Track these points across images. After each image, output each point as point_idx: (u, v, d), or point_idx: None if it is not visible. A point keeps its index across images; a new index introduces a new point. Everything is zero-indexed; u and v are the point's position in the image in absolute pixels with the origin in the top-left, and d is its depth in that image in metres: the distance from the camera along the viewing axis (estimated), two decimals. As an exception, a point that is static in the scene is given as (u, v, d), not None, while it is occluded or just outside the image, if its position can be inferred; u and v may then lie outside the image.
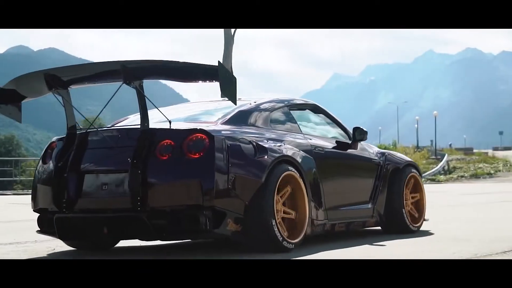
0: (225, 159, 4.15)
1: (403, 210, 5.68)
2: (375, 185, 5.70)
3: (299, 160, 4.67)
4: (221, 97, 4.92)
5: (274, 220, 4.25)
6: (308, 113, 5.58)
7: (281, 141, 4.71)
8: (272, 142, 4.59)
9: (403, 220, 5.65)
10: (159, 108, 4.50)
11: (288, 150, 4.63)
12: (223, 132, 4.34)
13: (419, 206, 6.01)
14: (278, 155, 4.45)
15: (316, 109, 5.67)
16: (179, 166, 4.13)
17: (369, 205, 5.57)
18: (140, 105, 4.27)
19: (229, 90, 4.04)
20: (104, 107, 4.69)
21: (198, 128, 4.24)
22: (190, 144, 4.14)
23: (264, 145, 4.44)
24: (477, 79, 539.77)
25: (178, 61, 4.17)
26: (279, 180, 4.38)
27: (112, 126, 4.79)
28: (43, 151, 4.74)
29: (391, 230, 5.64)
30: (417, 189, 6.03)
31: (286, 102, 5.27)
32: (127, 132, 4.44)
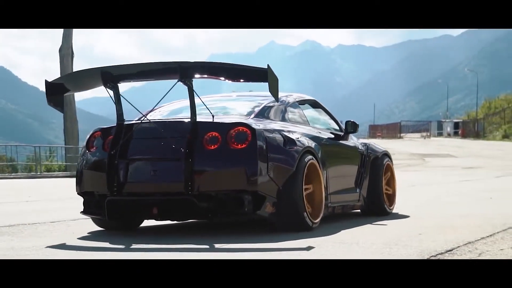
0: (264, 150, 4.72)
1: (383, 194, 6.43)
2: (361, 172, 6.38)
3: (316, 150, 5.28)
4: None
5: (302, 203, 4.82)
6: (307, 107, 6.21)
7: (298, 133, 5.27)
8: (294, 134, 5.14)
9: (382, 204, 6.42)
10: (205, 103, 5.03)
11: (308, 141, 5.22)
12: (260, 125, 4.88)
13: (391, 190, 6.75)
14: (304, 146, 5.04)
15: (315, 104, 6.39)
16: (225, 155, 4.67)
17: (357, 190, 6.26)
18: (190, 101, 4.80)
19: (274, 89, 4.57)
20: (158, 102, 5.33)
21: (240, 121, 4.81)
22: (234, 136, 4.69)
23: (291, 137, 5.02)
24: (316, 71, 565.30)
25: (229, 63, 4.72)
26: (306, 168, 4.95)
27: (143, 117, 5.12)
28: (87, 140, 5.18)
29: (370, 212, 6.38)
30: (388, 175, 6.76)
31: (296, 98, 5.94)
32: (177, 124, 4.93)
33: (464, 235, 4.53)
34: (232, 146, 4.65)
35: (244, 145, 4.64)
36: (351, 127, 6.32)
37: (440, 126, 61.61)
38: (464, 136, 52.84)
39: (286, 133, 5.02)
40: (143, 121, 4.99)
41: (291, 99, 5.81)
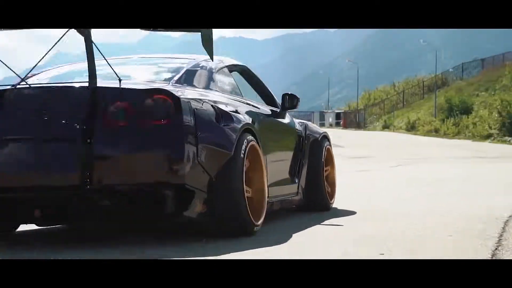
0: (193, 127, 3.55)
1: (324, 186, 5.33)
2: (299, 159, 5.20)
3: (257, 128, 4.18)
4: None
5: (244, 199, 3.75)
6: (236, 75, 4.95)
7: (232, 105, 4.11)
8: (228, 106, 4.02)
9: (324, 197, 5.33)
10: (109, 62, 3.70)
11: (245, 117, 4.08)
12: (184, 94, 3.70)
13: (331, 180, 5.66)
14: (242, 122, 3.92)
15: (244, 72, 5.13)
16: (138, 135, 3.47)
17: (296, 181, 5.09)
18: (88, 59, 3.56)
19: (208, 44, 3.53)
20: (43, 57, 3.80)
21: (159, 88, 3.64)
22: (150, 107, 3.48)
23: (226, 110, 3.91)
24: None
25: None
26: (246, 152, 3.86)
27: (22, 81, 3.77)
28: None
29: (309, 208, 5.25)
30: (329, 162, 5.68)
31: (225, 62, 4.77)
32: (70, 91, 3.64)
33: (443, 255, 3.16)
34: (147, 122, 3.46)
35: (164, 121, 3.47)
36: (289, 102, 5.10)
37: (322, 116, 62.32)
38: (346, 126, 53.52)
39: (219, 105, 3.89)
40: (20, 86, 3.67)
41: (218, 64, 4.60)
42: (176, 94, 3.56)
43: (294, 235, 3.96)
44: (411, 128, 42.43)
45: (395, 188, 8.20)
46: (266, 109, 4.95)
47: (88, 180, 3.39)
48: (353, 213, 5.22)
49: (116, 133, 3.47)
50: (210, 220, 3.73)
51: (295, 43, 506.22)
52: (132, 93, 3.57)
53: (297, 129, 5.32)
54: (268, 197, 4.27)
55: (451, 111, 38.33)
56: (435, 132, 37.92)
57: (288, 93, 5.11)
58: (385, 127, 46.72)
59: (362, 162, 18.82)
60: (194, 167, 3.52)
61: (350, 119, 55.13)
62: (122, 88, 3.57)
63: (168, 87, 3.77)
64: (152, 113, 3.48)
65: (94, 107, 3.50)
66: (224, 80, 4.59)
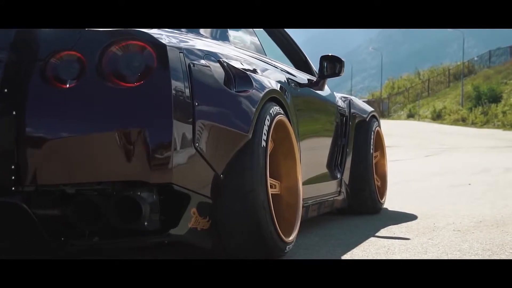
0: (187, 92, 2.28)
1: (374, 182, 4.27)
2: (342, 146, 4.07)
3: (287, 99, 3.00)
4: None
5: (267, 203, 2.51)
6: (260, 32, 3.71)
7: (253, 65, 2.91)
8: (245, 65, 2.79)
9: (373, 196, 4.24)
10: None
11: (271, 81, 2.89)
12: (177, 41, 2.41)
13: (380, 171, 4.57)
14: (266, 89, 2.71)
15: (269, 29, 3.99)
16: (98, 103, 2.17)
17: (338, 175, 3.95)
18: None
19: None
20: None
21: (133, 30, 2.30)
22: (117, 60, 2.20)
23: (241, 70, 2.66)
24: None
25: None
26: (271, 131, 2.65)
27: None
28: None
29: (355, 210, 4.23)
30: (378, 147, 4.61)
31: None
32: None
33: None
34: (113, 83, 2.19)
35: (140, 82, 2.19)
36: (330, 68, 3.74)
37: (345, 106, 61.49)
38: (369, 115, 52.66)
39: (230, 62, 2.64)
40: None
41: None
42: (160, 40, 2.28)
43: (350, 254, 2.83)
44: (437, 117, 41.52)
45: (438, 180, 7.42)
46: (300, 75, 3.68)
47: (14, 178, 2.17)
48: (413, 217, 4.10)
49: (61, 101, 2.19)
50: (217, 240, 2.53)
51: (316, 32, 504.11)
52: (89, 37, 2.27)
53: (339, 106, 4.13)
54: (302, 199, 3.10)
55: (479, 99, 37.31)
56: (462, 121, 36.97)
57: (328, 55, 3.79)
58: (410, 116, 45.82)
59: (392, 152, 18.13)
60: (188, 157, 2.29)
61: (374, 108, 54.36)
62: (71, 30, 2.32)
63: (152, 30, 2.42)
64: (121, 69, 2.22)
65: (25, 57, 2.26)
66: (245, 37, 3.37)
